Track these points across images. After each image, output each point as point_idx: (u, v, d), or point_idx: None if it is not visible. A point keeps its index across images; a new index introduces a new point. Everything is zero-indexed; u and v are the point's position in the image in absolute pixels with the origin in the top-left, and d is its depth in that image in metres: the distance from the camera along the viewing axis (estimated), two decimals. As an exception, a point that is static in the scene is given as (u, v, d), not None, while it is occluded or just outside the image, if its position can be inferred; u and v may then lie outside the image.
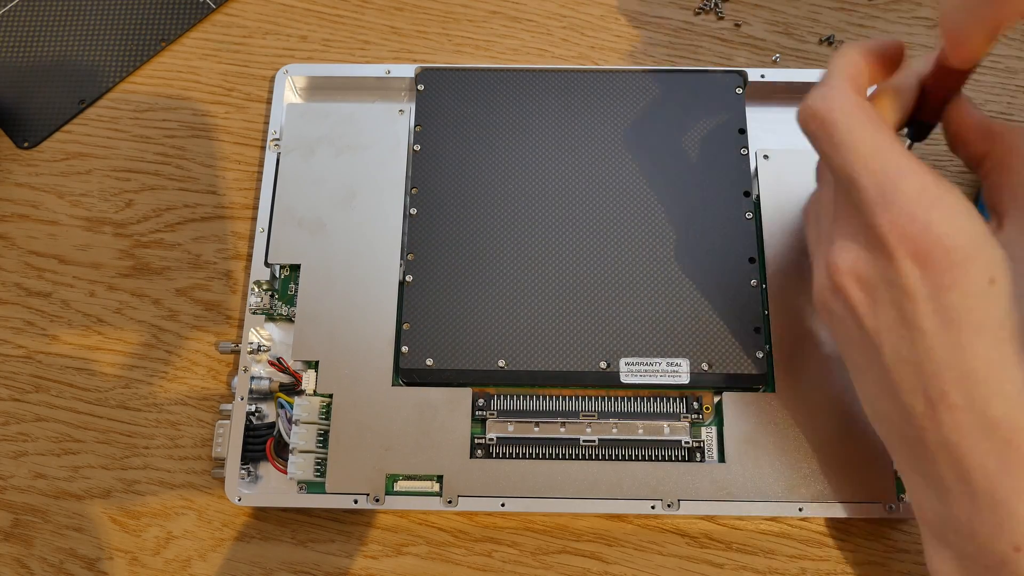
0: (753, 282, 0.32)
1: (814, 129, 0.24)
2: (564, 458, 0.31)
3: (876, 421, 0.26)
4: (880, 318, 0.23)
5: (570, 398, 0.32)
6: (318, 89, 0.37)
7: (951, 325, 0.22)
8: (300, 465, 0.31)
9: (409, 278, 0.33)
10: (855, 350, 0.25)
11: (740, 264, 0.32)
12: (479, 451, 0.31)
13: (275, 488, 0.32)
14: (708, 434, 0.32)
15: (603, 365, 0.31)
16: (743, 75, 0.35)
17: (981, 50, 0.22)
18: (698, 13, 0.39)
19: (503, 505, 0.30)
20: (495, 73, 0.36)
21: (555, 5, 0.40)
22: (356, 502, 0.31)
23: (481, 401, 0.32)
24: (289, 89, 0.37)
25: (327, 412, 0.32)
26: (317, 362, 0.32)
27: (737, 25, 0.39)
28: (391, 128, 0.36)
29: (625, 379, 0.31)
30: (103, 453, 0.33)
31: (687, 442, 0.31)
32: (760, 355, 0.31)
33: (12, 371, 0.34)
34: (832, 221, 0.25)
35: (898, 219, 0.22)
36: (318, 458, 0.31)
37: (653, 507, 0.30)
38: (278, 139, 0.36)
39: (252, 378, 0.32)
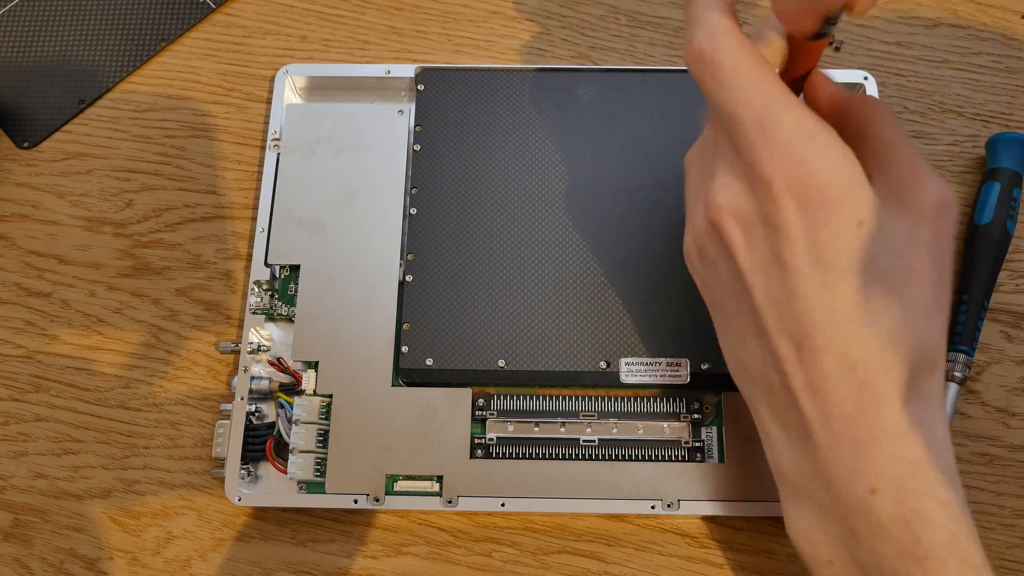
0: None
1: (700, 71, 0.24)
2: (564, 458, 0.31)
3: (739, 372, 0.26)
4: (754, 256, 0.23)
5: (570, 398, 0.32)
6: (318, 89, 0.37)
7: (820, 264, 0.22)
8: (300, 465, 0.31)
9: (409, 278, 0.33)
10: (725, 294, 0.25)
11: None
12: (479, 451, 0.31)
13: (275, 488, 0.32)
14: (708, 434, 0.32)
15: (603, 365, 0.31)
16: None
17: (813, 29, 0.22)
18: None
19: (503, 505, 0.30)
20: (495, 73, 0.36)
21: (555, 5, 0.40)
22: (356, 502, 0.31)
23: (481, 401, 0.32)
24: (289, 89, 0.37)
25: (327, 412, 0.32)
26: (317, 362, 0.32)
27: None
28: (391, 128, 0.36)
29: (625, 379, 0.31)
30: (103, 453, 0.33)
31: (687, 442, 0.31)
32: None
33: (12, 371, 0.34)
34: (713, 163, 0.25)
35: (777, 152, 0.22)
36: (318, 458, 0.31)
37: (653, 507, 0.30)
38: (278, 139, 0.36)
39: (252, 378, 0.32)
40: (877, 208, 0.22)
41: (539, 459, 0.31)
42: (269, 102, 0.38)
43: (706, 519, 0.32)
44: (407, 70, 0.36)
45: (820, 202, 0.22)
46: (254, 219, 0.36)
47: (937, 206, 0.24)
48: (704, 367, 0.31)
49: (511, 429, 0.31)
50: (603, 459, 0.31)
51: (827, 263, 0.22)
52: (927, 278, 0.23)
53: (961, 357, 0.32)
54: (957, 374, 0.32)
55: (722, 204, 0.24)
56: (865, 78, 0.36)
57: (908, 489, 0.22)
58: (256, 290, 0.33)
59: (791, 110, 0.22)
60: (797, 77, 0.26)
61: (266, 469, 0.32)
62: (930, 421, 0.23)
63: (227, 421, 0.32)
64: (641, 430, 0.31)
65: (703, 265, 0.26)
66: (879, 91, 0.36)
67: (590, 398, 0.32)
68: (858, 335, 0.22)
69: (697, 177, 0.26)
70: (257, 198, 0.36)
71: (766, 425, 0.25)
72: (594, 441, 0.31)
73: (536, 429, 0.31)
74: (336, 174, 0.35)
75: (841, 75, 0.36)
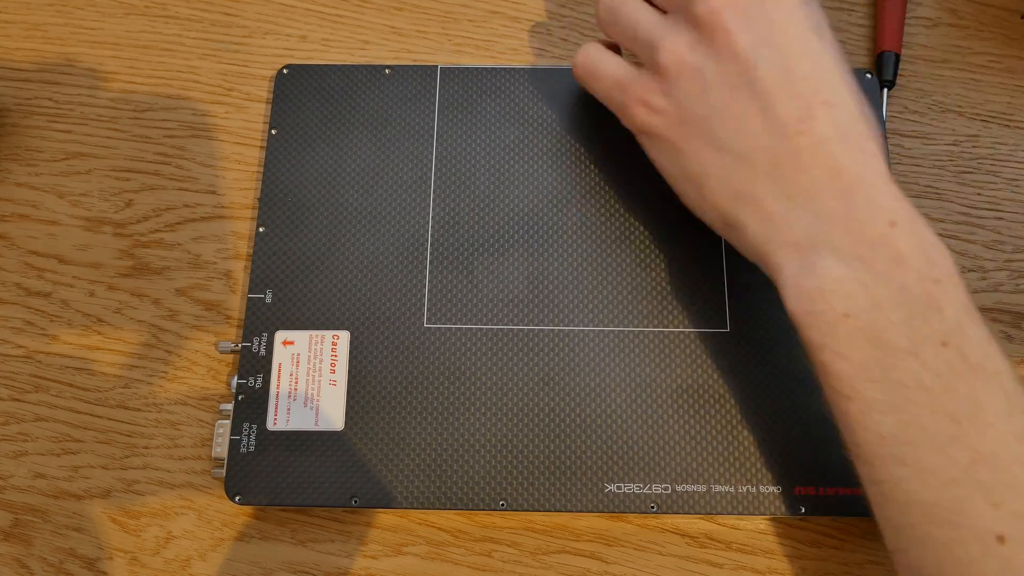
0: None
1: None
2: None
3: (731, 171, 0.28)
4: (753, 32, 0.27)
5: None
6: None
7: (811, 32, 0.27)
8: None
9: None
10: (714, 96, 0.28)
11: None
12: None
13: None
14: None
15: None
16: None
17: None
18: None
19: (503, 505, 0.30)
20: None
21: (555, 5, 0.40)
22: (356, 502, 0.31)
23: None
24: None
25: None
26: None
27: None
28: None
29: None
30: (103, 453, 0.33)
31: None
32: None
33: (12, 371, 0.34)
34: None
35: None
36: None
37: (653, 507, 0.30)
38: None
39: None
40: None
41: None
42: (269, 102, 0.38)
43: (706, 519, 0.32)
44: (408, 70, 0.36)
45: None
46: (254, 219, 0.36)
47: None
48: None
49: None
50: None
51: (813, 30, 0.27)
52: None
53: None
54: None
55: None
56: (867, 76, 0.36)
57: (917, 220, 0.25)
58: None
59: None
60: None
61: (266, 469, 0.32)
62: None
63: (227, 421, 0.32)
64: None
65: (677, 89, 0.28)
66: (881, 91, 0.36)
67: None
68: (850, 90, 0.27)
69: (644, 28, 0.30)
70: (257, 198, 0.36)
71: (769, 205, 0.27)
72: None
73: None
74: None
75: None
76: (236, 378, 0.32)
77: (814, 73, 0.26)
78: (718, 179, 0.28)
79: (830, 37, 0.27)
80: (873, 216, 0.25)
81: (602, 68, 0.32)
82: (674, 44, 0.28)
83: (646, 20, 0.30)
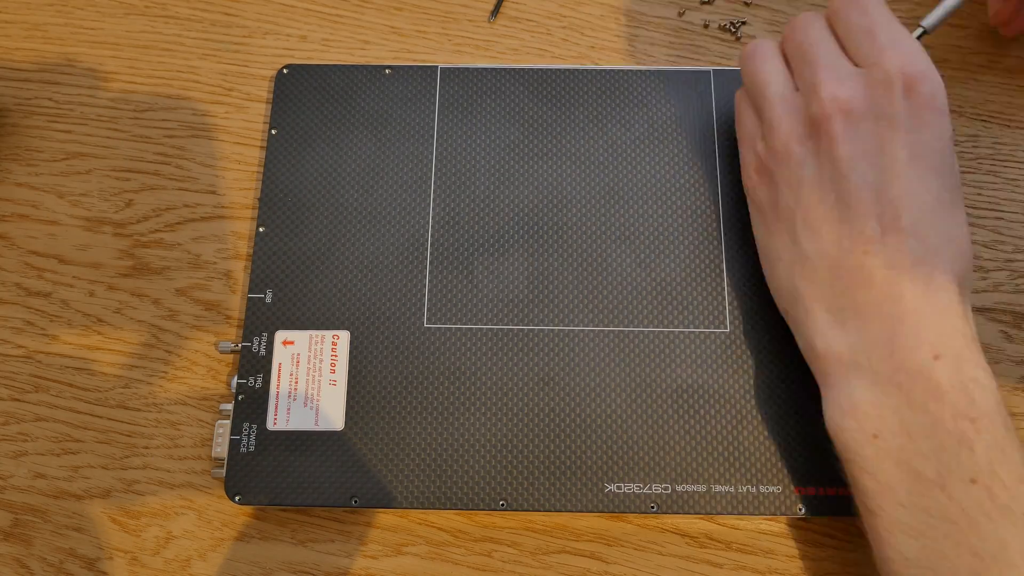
0: None
1: (852, 5, 0.29)
2: None
3: (795, 265, 0.28)
4: (857, 145, 0.27)
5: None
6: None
7: (918, 160, 0.27)
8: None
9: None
10: (805, 190, 0.28)
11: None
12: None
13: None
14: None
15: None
16: None
17: None
18: (706, 26, 0.39)
19: (503, 505, 0.30)
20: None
21: (555, 5, 0.40)
22: (356, 502, 0.31)
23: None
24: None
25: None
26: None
27: (734, 28, 0.39)
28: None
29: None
30: (103, 453, 0.33)
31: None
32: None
33: (12, 371, 0.34)
34: (816, 69, 0.28)
35: (904, 59, 0.27)
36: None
37: (653, 507, 0.30)
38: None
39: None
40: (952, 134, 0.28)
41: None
42: (269, 102, 0.38)
43: (706, 519, 0.32)
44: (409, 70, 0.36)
45: (929, 107, 0.27)
46: (254, 219, 0.36)
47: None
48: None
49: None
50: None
51: (923, 159, 0.27)
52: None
53: None
54: None
55: (841, 96, 0.27)
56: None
57: (965, 358, 0.25)
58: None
59: (912, 37, 0.28)
60: None
61: (266, 469, 0.32)
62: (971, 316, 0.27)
63: (227, 421, 0.32)
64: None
65: (779, 172, 0.29)
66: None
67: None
68: (936, 225, 0.26)
69: (770, 101, 0.30)
70: (257, 198, 0.36)
71: (818, 314, 0.27)
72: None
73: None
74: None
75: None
76: (236, 378, 0.32)
77: (902, 199, 0.26)
78: (785, 269, 0.29)
79: (939, 166, 0.27)
80: (918, 346, 0.25)
81: (743, 113, 0.32)
82: (788, 130, 0.29)
83: (775, 88, 0.30)
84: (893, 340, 0.26)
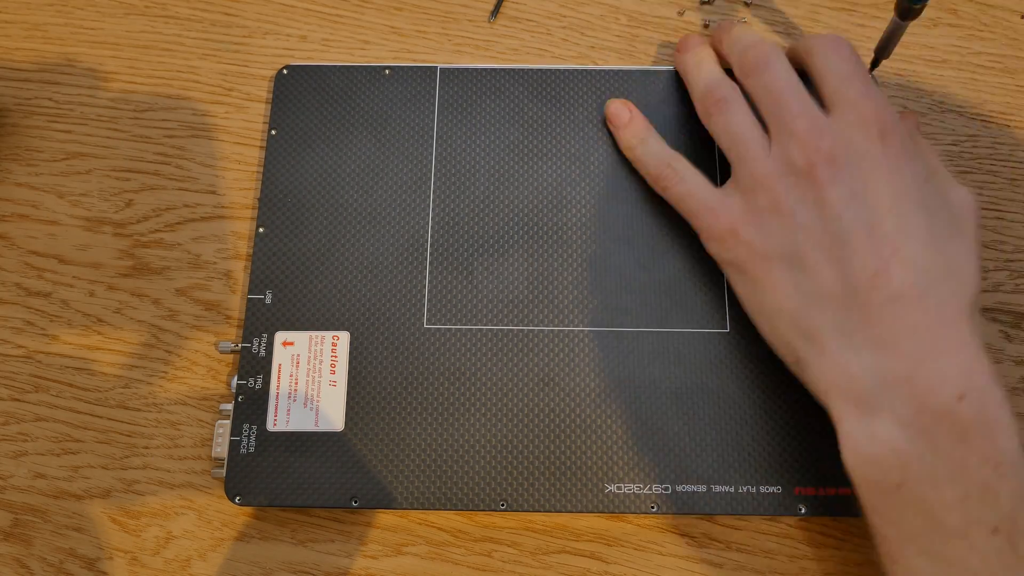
0: None
1: (835, 52, 0.30)
2: None
3: (803, 308, 0.28)
4: (845, 186, 0.27)
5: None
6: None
7: (904, 196, 0.27)
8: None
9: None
10: (800, 236, 0.28)
11: None
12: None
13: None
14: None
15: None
16: None
17: None
18: (707, 26, 0.39)
19: (503, 506, 0.30)
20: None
21: (555, 5, 0.40)
22: (356, 503, 0.31)
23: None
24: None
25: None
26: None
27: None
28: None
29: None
30: (103, 453, 0.33)
31: None
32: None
33: (12, 371, 0.34)
34: (793, 118, 0.29)
35: (880, 109, 0.28)
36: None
37: (653, 507, 0.30)
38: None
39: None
40: (937, 168, 0.29)
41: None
42: (269, 102, 0.38)
43: (706, 519, 0.32)
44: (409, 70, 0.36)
45: (905, 151, 0.27)
46: (254, 219, 0.36)
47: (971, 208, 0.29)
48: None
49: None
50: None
51: (908, 196, 0.27)
52: (975, 239, 0.28)
53: None
54: None
55: (823, 147, 0.28)
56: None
57: (988, 397, 0.24)
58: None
59: (879, 91, 0.29)
60: None
61: (266, 469, 0.32)
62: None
63: (227, 421, 0.32)
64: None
65: (769, 225, 0.29)
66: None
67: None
68: (935, 257, 0.26)
69: (751, 158, 0.30)
70: (257, 198, 0.36)
71: (832, 352, 0.27)
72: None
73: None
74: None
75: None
76: (236, 379, 0.32)
77: (897, 232, 0.26)
78: (790, 317, 0.28)
79: (925, 201, 0.27)
80: (941, 386, 0.24)
81: (691, 186, 0.32)
82: (772, 182, 0.29)
83: (752, 141, 0.30)
84: (913, 379, 0.25)
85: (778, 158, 0.29)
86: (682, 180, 0.32)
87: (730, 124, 0.31)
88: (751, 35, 0.32)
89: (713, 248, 0.31)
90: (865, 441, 0.25)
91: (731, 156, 0.31)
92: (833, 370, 0.27)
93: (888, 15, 0.39)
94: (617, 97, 0.35)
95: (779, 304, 0.28)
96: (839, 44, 0.30)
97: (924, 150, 0.30)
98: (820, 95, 0.30)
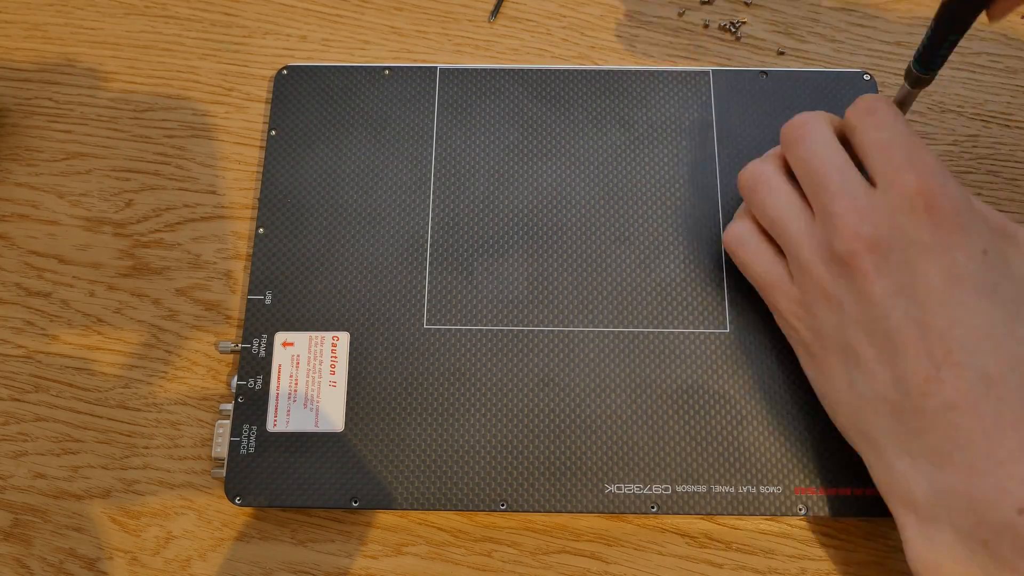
0: None
1: (869, 119, 0.27)
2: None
3: (856, 410, 0.27)
4: (891, 279, 0.25)
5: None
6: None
7: (957, 283, 0.24)
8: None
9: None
10: (848, 331, 0.26)
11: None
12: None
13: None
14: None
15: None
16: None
17: None
18: (706, 26, 0.39)
19: (503, 506, 0.30)
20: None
21: (555, 5, 0.40)
22: (356, 503, 0.31)
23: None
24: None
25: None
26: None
27: (734, 28, 0.39)
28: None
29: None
30: (103, 453, 0.33)
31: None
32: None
33: (12, 371, 0.34)
34: (834, 198, 0.26)
35: (923, 178, 0.25)
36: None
37: (653, 507, 0.30)
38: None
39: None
40: (995, 241, 0.26)
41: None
42: (269, 102, 0.38)
43: (706, 519, 0.32)
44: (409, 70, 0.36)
45: (956, 226, 0.25)
46: (254, 219, 0.36)
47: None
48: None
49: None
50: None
51: (963, 282, 0.24)
52: None
53: None
54: None
55: (863, 232, 0.25)
56: (865, 78, 0.36)
57: None
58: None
59: (929, 152, 0.26)
60: None
61: (266, 469, 0.32)
62: None
63: (227, 421, 0.32)
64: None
65: (819, 311, 0.27)
66: (879, 91, 0.36)
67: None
68: (995, 351, 0.24)
69: (794, 240, 0.28)
70: (257, 198, 0.36)
71: (889, 457, 0.26)
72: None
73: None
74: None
75: (841, 75, 0.36)
76: (236, 379, 0.32)
77: (950, 331, 0.24)
78: (847, 413, 0.27)
79: (981, 284, 0.25)
80: (1000, 500, 0.23)
81: (753, 259, 0.30)
82: (817, 270, 0.27)
83: (792, 222, 0.28)
84: (970, 492, 0.24)
85: (821, 243, 0.27)
86: (745, 250, 0.30)
87: (767, 207, 0.29)
88: (803, 113, 0.29)
89: (780, 324, 0.30)
90: (926, 549, 0.25)
91: (774, 235, 0.29)
92: (891, 476, 0.26)
93: (888, 15, 0.39)
94: (617, 96, 0.35)
95: (838, 397, 0.27)
96: (873, 108, 0.27)
97: (982, 213, 0.27)
98: (866, 170, 0.27)
